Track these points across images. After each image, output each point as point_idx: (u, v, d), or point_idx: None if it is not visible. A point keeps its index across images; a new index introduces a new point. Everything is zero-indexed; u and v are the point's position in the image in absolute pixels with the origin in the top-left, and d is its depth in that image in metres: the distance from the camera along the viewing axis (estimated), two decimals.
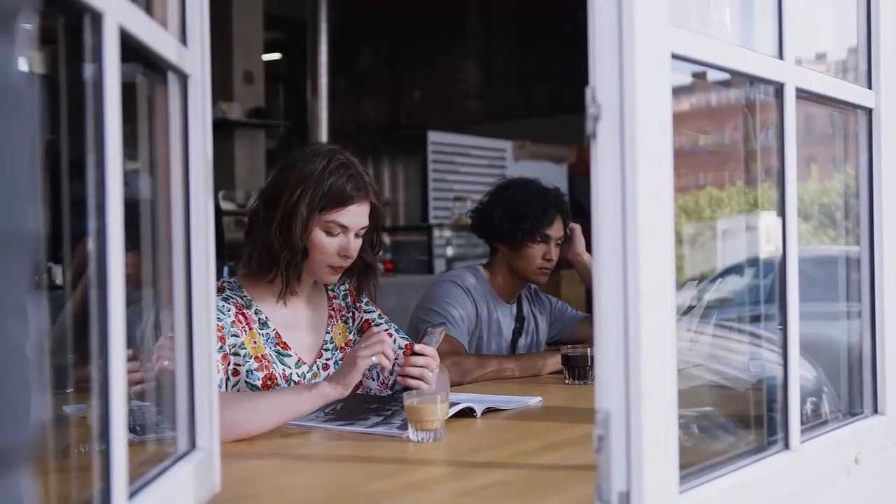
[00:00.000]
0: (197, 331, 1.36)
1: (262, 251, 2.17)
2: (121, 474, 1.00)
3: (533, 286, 3.16)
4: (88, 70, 1.00)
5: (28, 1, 0.58)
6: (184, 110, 1.35)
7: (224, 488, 1.42)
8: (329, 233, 2.17)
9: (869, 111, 1.76)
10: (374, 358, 1.96)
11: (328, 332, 2.32)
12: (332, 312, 2.36)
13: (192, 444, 1.35)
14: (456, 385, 2.64)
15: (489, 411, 2.14)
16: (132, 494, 1.08)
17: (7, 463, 0.55)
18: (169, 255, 1.35)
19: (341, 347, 2.33)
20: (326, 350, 2.31)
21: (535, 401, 2.31)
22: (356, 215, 2.18)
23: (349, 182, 2.16)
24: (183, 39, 1.33)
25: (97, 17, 0.98)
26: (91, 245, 0.99)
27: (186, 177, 1.35)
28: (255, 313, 2.20)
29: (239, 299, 2.18)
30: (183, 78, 1.33)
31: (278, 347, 2.20)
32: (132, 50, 1.10)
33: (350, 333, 2.37)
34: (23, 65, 0.57)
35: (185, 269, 1.35)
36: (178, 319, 1.35)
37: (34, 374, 0.58)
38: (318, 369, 2.26)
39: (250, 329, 2.17)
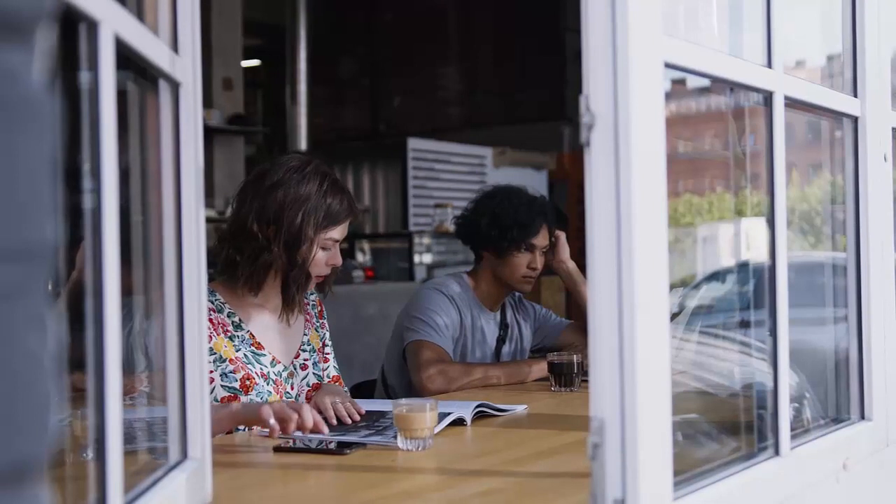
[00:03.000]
0: (188, 340, 1.35)
1: (262, 271, 2.22)
2: (116, 484, 1.00)
3: (517, 293, 3.16)
4: (83, 77, 0.99)
5: (45, 11, 0.58)
6: (175, 118, 1.34)
7: (215, 499, 1.41)
8: (324, 248, 2.27)
9: (855, 119, 1.78)
10: (272, 421, 1.89)
11: (305, 334, 2.40)
12: (308, 316, 2.43)
13: (184, 454, 1.34)
14: (442, 392, 2.64)
15: (479, 416, 2.15)
16: None
17: (29, 474, 0.55)
18: (159, 266, 1.34)
19: (318, 350, 2.42)
20: (304, 350, 2.38)
21: (521, 409, 2.31)
22: (346, 228, 2.31)
23: (344, 201, 2.27)
24: (175, 47, 1.32)
25: (93, 26, 0.97)
26: (87, 253, 0.98)
27: (178, 185, 1.34)
28: (228, 316, 2.25)
29: (209, 304, 2.20)
30: (174, 86, 1.32)
31: (253, 348, 2.25)
32: (125, 57, 1.09)
33: (320, 341, 2.45)
34: (41, 75, 0.57)
35: (177, 280, 1.34)
36: (169, 329, 1.34)
37: (52, 386, 0.57)
38: (295, 368, 2.34)
39: (218, 334, 2.21)
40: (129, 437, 1.32)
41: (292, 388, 2.31)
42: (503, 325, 3.10)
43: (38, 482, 0.56)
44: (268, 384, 2.23)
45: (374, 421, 2.10)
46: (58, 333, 0.59)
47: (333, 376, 2.45)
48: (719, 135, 1.91)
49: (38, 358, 0.56)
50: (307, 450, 1.85)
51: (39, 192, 0.55)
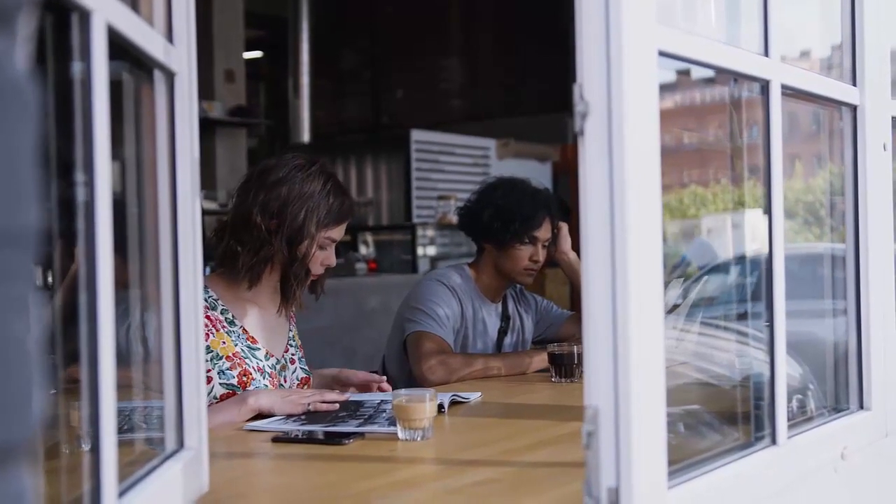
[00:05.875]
0: (184, 330, 1.35)
1: (262, 263, 2.25)
2: (110, 474, 1.00)
3: (518, 285, 3.16)
4: (76, 68, 0.99)
5: None
6: (170, 109, 1.34)
7: (212, 488, 1.41)
8: (322, 247, 2.29)
9: (853, 108, 1.77)
10: (310, 407, 2.10)
11: (291, 330, 2.44)
12: (292, 313, 2.46)
13: (181, 444, 1.35)
14: (443, 383, 2.64)
15: (453, 404, 2.19)
16: (121, 493, 1.07)
17: (10, 458, 0.55)
18: (155, 256, 1.34)
19: (300, 346, 2.46)
20: (291, 346, 2.42)
21: (476, 396, 2.33)
22: (343, 229, 2.34)
23: (345, 202, 2.31)
24: (169, 37, 1.32)
25: (85, 15, 0.97)
26: (80, 246, 0.98)
27: (173, 176, 1.34)
28: (221, 313, 2.27)
29: (202, 302, 2.21)
30: (170, 76, 1.32)
31: (248, 342, 2.28)
32: (118, 48, 1.09)
33: (299, 339, 2.50)
34: (23, 62, 0.57)
35: (173, 270, 1.34)
36: (165, 320, 1.34)
37: (36, 370, 0.58)
38: (286, 362, 2.37)
39: (217, 330, 2.22)
40: (125, 427, 1.33)
41: (285, 381, 2.33)
42: (505, 317, 3.10)
43: (22, 465, 0.57)
44: (264, 378, 2.25)
45: (354, 411, 2.10)
46: (42, 318, 0.60)
47: (302, 378, 2.44)
48: (723, 126, 1.91)
49: (22, 342, 0.56)
50: (305, 440, 1.85)
51: (22, 178, 0.56)
